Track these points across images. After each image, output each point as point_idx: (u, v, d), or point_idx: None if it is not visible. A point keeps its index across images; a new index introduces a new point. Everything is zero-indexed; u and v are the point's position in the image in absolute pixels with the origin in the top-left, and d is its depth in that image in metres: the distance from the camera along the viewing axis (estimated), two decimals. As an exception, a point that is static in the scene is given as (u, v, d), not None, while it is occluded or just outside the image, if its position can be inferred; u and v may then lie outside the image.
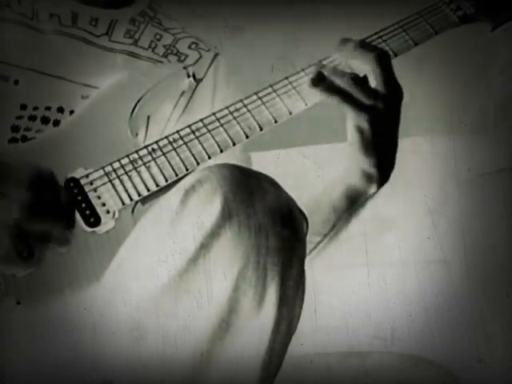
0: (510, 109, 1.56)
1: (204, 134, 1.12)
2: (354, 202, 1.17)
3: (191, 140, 1.12)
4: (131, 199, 1.09)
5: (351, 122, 1.12)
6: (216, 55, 1.33)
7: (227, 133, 1.12)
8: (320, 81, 1.12)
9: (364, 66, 1.13)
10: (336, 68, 1.14)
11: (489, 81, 1.56)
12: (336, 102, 1.12)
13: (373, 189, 1.17)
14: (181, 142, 1.11)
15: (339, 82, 1.12)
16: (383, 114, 1.12)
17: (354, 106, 1.11)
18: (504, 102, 1.56)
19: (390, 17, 1.22)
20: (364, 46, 1.15)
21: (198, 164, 1.11)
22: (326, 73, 1.13)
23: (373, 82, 1.13)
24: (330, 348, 1.44)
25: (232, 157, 1.16)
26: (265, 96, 1.15)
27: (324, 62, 1.16)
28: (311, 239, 1.18)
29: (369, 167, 1.14)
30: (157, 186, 1.10)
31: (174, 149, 1.11)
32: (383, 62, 1.13)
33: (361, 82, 1.12)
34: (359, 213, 1.19)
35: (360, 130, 1.12)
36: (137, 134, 1.21)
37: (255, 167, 1.15)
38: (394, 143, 1.16)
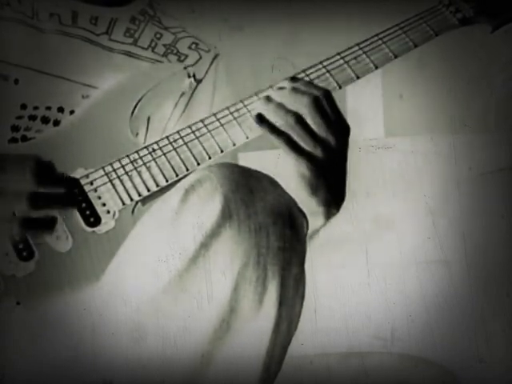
0: (510, 108, 1.56)
1: (204, 134, 1.12)
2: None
3: (191, 140, 1.12)
4: (131, 199, 1.09)
5: (292, 168, 1.10)
6: (216, 56, 1.33)
7: (227, 133, 1.12)
8: (263, 120, 1.11)
9: (302, 109, 1.11)
10: (281, 104, 1.11)
11: (490, 80, 1.56)
12: (278, 144, 1.10)
13: (320, 222, 1.14)
14: (181, 142, 1.12)
15: (282, 120, 1.10)
16: (325, 158, 1.10)
17: (295, 151, 1.09)
18: (505, 102, 1.56)
19: (389, 17, 1.22)
20: (298, 88, 1.12)
21: (198, 164, 1.11)
22: (270, 109, 1.11)
23: (311, 125, 1.11)
24: (330, 348, 1.44)
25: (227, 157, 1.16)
26: (265, 96, 1.15)
27: (274, 89, 1.14)
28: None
29: (315, 207, 1.12)
30: (157, 186, 1.10)
31: (175, 149, 1.11)
32: (318, 106, 1.10)
33: (302, 122, 1.10)
34: (313, 241, 1.16)
35: (301, 175, 1.10)
36: (137, 134, 1.21)
37: (255, 167, 1.15)
38: (341, 178, 1.13)
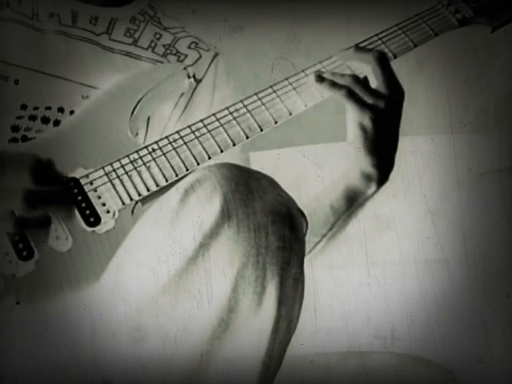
0: (510, 108, 1.56)
1: (204, 134, 1.12)
2: (353, 203, 1.18)
3: (191, 140, 1.12)
4: (131, 199, 1.09)
5: (353, 119, 1.13)
6: (216, 55, 1.33)
7: (227, 133, 1.13)
8: (325, 77, 1.13)
9: (363, 67, 1.14)
10: (335, 70, 1.15)
11: (489, 80, 1.56)
12: (340, 97, 1.13)
13: (372, 189, 1.17)
14: (181, 142, 1.12)
15: (341, 80, 1.13)
16: (384, 114, 1.13)
17: (357, 103, 1.12)
18: (504, 102, 1.56)
19: (389, 18, 1.22)
20: (362, 48, 1.17)
21: (198, 164, 1.11)
22: (327, 74, 1.14)
23: (373, 83, 1.14)
24: (329, 348, 1.44)
25: (231, 157, 1.16)
26: (265, 97, 1.15)
27: (324, 63, 1.17)
28: (310, 239, 1.18)
29: (369, 167, 1.15)
30: (157, 185, 1.10)
31: (174, 149, 1.11)
32: (382, 62, 1.14)
33: (361, 81, 1.13)
34: (358, 213, 1.19)
35: (363, 128, 1.13)
36: (137, 134, 1.21)
37: (255, 167, 1.15)
38: (394, 143, 1.16)
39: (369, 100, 1.13)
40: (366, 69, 1.14)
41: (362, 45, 1.19)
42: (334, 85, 1.14)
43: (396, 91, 1.15)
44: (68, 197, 1.07)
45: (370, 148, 1.14)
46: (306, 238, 1.01)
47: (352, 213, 1.18)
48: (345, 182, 1.17)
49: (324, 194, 1.19)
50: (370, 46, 1.19)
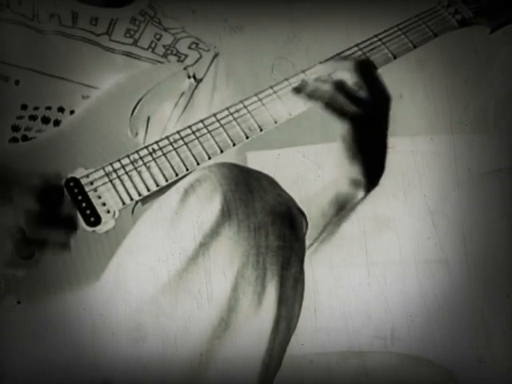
0: (510, 108, 1.56)
1: (204, 134, 1.12)
2: (342, 208, 1.18)
3: (191, 140, 1.12)
4: (131, 199, 1.09)
5: (336, 130, 1.13)
6: (216, 55, 1.33)
7: (227, 133, 1.13)
8: (301, 89, 1.13)
9: (345, 76, 1.13)
10: (318, 77, 1.15)
11: (489, 81, 1.56)
12: (319, 108, 1.12)
13: (360, 194, 1.17)
14: (181, 143, 1.12)
15: (321, 89, 1.13)
16: (366, 121, 1.12)
17: (336, 113, 1.12)
18: (504, 102, 1.56)
19: (389, 18, 1.22)
20: (342, 57, 1.17)
21: (198, 164, 1.11)
22: (307, 81, 1.14)
23: (355, 89, 1.13)
24: (329, 348, 1.44)
25: (228, 158, 1.16)
26: (265, 97, 1.15)
27: (307, 72, 1.17)
28: None
29: (356, 174, 1.15)
30: (157, 185, 1.10)
31: (175, 149, 1.11)
32: (362, 69, 1.13)
33: (342, 88, 1.12)
34: (349, 217, 1.19)
35: (343, 139, 1.13)
36: (137, 134, 1.21)
37: (255, 167, 1.15)
38: (381, 148, 1.16)
39: (348, 109, 1.12)
40: (347, 77, 1.14)
41: (343, 54, 1.18)
42: (310, 96, 1.13)
43: (380, 97, 1.14)
44: (72, 215, 1.07)
45: (353, 157, 1.14)
46: (306, 239, 1.01)
47: (343, 217, 1.18)
48: (333, 188, 1.17)
49: (314, 199, 1.19)
50: (366, 49, 1.19)
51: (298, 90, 1.14)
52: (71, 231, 1.06)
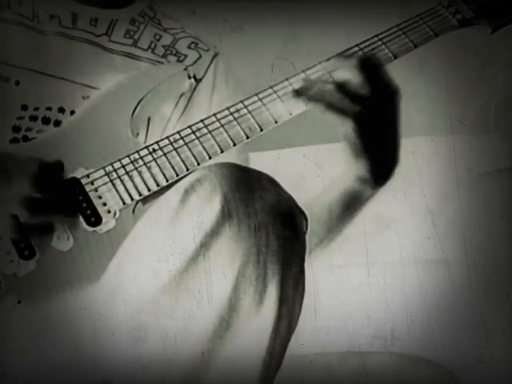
0: (510, 109, 1.56)
1: (204, 134, 1.13)
2: (350, 206, 1.18)
3: (192, 140, 1.12)
4: (132, 199, 1.09)
5: (339, 129, 1.13)
6: (216, 55, 1.33)
7: (228, 133, 1.13)
8: (302, 92, 1.13)
9: (346, 74, 1.13)
10: (319, 78, 1.15)
11: (489, 81, 1.56)
12: (321, 110, 1.12)
13: (368, 192, 1.17)
14: (181, 143, 1.12)
15: (322, 90, 1.13)
16: (371, 118, 1.12)
17: (338, 113, 1.11)
18: (504, 102, 1.56)
19: (390, 18, 1.22)
20: (343, 55, 1.17)
21: (198, 164, 1.11)
22: (309, 83, 1.13)
23: (357, 87, 1.13)
24: (329, 348, 1.44)
25: (229, 158, 1.17)
26: (265, 97, 1.16)
27: (307, 72, 1.17)
28: (310, 240, 1.18)
29: (362, 172, 1.15)
30: (157, 185, 1.10)
31: (175, 149, 1.11)
32: (364, 66, 1.13)
33: (344, 88, 1.12)
34: (357, 214, 1.19)
35: (347, 138, 1.12)
36: (137, 134, 1.21)
37: (255, 167, 1.15)
38: (391, 142, 1.16)
39: (351, 108, 1.12)
40: (349, 76, 1.13)
41: (344, 53, 1.18)
42: (311, 98, 1.13)
43: (385, 91, 1.13)
44: (71, 203, 1.07)
45: (358, 155, 1.14)
46: (307, 238, 1.01)
47: (351, 215, 1.18)
48: (341, 186, 1.17)
49: (322, 197, 1.19)
50: (367, 49, 1.19)
51: (298, 93, 1.13)
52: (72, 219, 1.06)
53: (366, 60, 1.14)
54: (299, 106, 1.15)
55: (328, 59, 1.17)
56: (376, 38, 1.20)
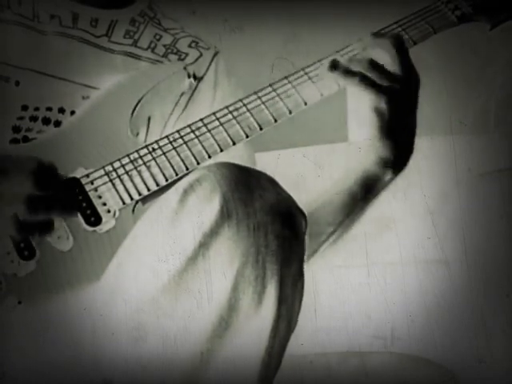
0: (509, 109, 1.56)
1: (204, 133, 1.12)
2: (370, 189, 1.17)
3: (191, 139, 1.12)
4: (132, 198, 1.09)
5: (369, 104, 1.12)
6: (216, 53, 1.33)
7: (227, 132, 1.13)
8: (337, 66, 1.13)
9: (381, 51, 1.13)
10: (353, 56, 1.15)
11: (489, 80, 1.56)
12: (354, 85, 1.12)
13: (388, 175, 1.16)
14: (181, 142, 1.12)
15: (357, 67, 1.13)
16: (401, 97, 1.12)
17: (372, 87, 1.12)
18: (504, 102, 1.56)
19: (389, 16, 1.22)
20: (379, 34, 1.17)
21: (198, 163, 1.11)
22: (342, 60, 1.14)
23: (390, 66, 1.13)
24: (329, 348, 1.44)
25: (236, 154, 1.17)
26: (265, 95, 1.15)
27: (341, 52, 1.17)
28: (324, 230, 1.17)
29: (385, 152, 1.14)
30: (157, 185, 1.10)
31: (174, 148, 1.11)
32: (399, 46, 1.13)
33: (378, 66, 1.13)
34: (375, 200, 1.18)
35: (379, 112, 1.12)
36: (137, 134, 1.21)
37: (255, 167, 1.15)
38: (411, 128, 1.16)
39: (385, 83, 1.12)
40: (384, 54, 1.14)
41: (381, 31, 1.18)
42: (347, 72, 1.13)
43: (413, 76, 1.14)
44: (69, 204, 1.07)
45: (386, 133, 1.13)
46: (306, 238, 1.01)
47: (369, 200, 1.17)
48: (361, 167, 1.16)
49: (342, 180, 1.18)
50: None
51: (333, 67, 1.13)
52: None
53: (398, 38, 1.14)
54: (299, 105, 1.15)
55: (361, 38, 1.17)
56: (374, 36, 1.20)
